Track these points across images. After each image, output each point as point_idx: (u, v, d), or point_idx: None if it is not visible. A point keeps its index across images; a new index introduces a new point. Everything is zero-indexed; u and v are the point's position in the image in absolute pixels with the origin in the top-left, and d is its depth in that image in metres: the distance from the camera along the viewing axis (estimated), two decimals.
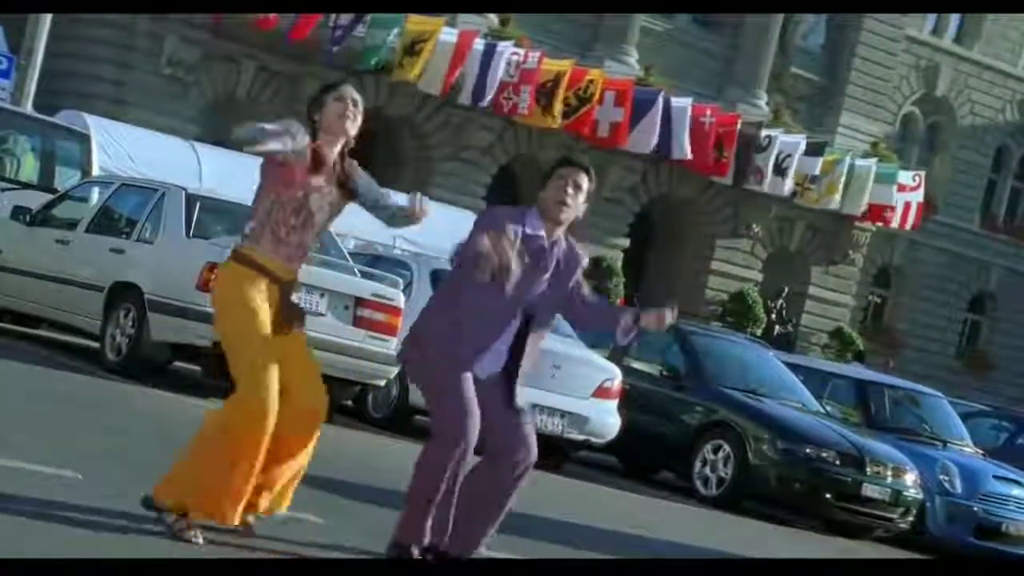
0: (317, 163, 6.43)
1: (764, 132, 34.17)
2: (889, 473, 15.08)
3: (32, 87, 21.99)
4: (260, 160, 6.46)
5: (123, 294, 12.71)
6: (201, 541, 6.22)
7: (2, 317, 14.50)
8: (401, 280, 13.33)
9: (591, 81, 31.64)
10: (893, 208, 36.13)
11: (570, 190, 6.59)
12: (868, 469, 14.95)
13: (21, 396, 10.19)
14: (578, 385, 14.11)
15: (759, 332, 33.09)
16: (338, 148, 6.53)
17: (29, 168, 17.41)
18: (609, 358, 15.14)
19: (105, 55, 28.80)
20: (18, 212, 14.34)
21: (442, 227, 13.35)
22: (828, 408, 16.81)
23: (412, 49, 29.47)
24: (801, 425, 15.25)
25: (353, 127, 6.50)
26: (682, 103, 32.71)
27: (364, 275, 13.15)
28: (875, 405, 17.24)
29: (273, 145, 6.22)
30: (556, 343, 13.18)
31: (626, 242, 34.71)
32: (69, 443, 8.40)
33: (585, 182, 6.64)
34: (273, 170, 6.41)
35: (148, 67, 28.79)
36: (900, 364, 36.76)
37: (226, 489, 6.26)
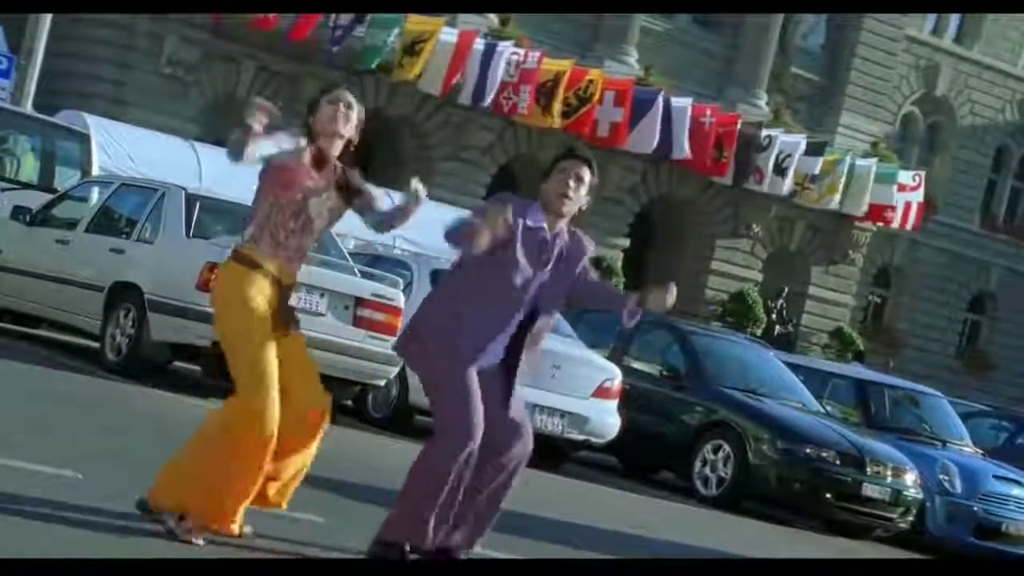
0: (316, 165, 6.44)
1: (764, 132, 34.19)
2: (889, 473, 15.08)
3: (32, 87, 21.99)
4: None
5: (123, 294, 12.71)
6: (201, 542, 6.22)
7: (2, 317, 14.49)
8: (401, 280, 13.33)
9: (591, 81, 31.65)
10: (893, 208, 36.14)
11: (572, 183, 6.59)
12: (868, 469, 14.95)
13: (21, 396, 10.19)
14: (578, 385, 14.10)
15: (759, 332, 33.09)
16: (337, 150, 6.52)
17: (29, 168, 17.41)
18: (609, 358, 15.14)
19: (105, 55, 28.80)
20: (18, 212, 14.34)
21: (442, 227, 13.32)
22: (828, 408, 16.81)
23: (412, 49, 29.49)
24: (801, 425, 15.25)
25: (346, 128, 6.50)
26: (682, 103, 32.73)
27: (364, 275, 13.15)
28: (875, 405, 17.23)
29: (258, 145, 6.23)
30: (556, 343, 13.18)
31: (626, 242, 34.72)
32: (69, 443, 8.40)
33: (587, 175, 6.64)
34: (272, 173, 6.41)
35: (148, 67, 28.80)
36: (900, 364, 36.77)
37: (228, 495, 6.24)
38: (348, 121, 6.50)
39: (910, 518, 15.30)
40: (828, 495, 14.78)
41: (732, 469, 14.87)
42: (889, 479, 15.04)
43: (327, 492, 8.23)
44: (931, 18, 43.08)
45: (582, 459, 15.63)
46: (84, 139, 17.84)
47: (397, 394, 13.73)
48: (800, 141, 34.67)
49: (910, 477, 15.22)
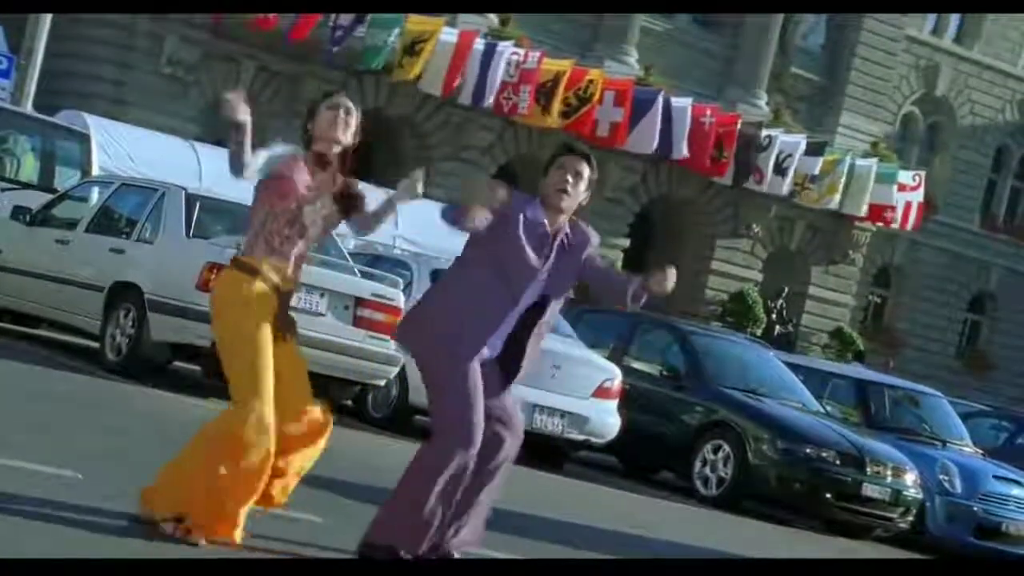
0: (312, 172, 6.42)
1: (764, 132, 34.19)
2: (889, 473, 15.08)
3: (32, 87, 22.00)
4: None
5: (123, 294, 12.71)
6: (203, 541, 6.22)
7: (2, 317, 14.50)
8: (401, 280, 13.33)
9: (591, 81, 31.66)
10: (893, 208, 36.16)
11: (570, 178, 6.58)
12: (868, 469, 14.95)
13: (21, 396, 10.19)
14: (578, 385, 14.11)
15: (759, 332, 33.09)
16: (334, 156, 6.50)
17: (29, 168, 17.41)
18: (609, 358, 15.15)
19: (105, 55, 28.81)
20: (18, 212, 14.34)
21: (442, 227, 13.32)
22: (828, 408, 16.81)
23: (412, 49, 29.50)
24: (801, 425, 15.25)
25: (345, 134, 6.49)
26: (682, 103, 32.73)
27: (364, 275, 13.15)
28: (875, 405, 17.24)
29: (257, 157, 6.26)
30: (556, 343, 13.18)
31: (626, 242, 34.72)
32: (69, 443, 8.40)
33: (585, 170, 6.63)
34: (268, 185, 6.41)
35: (148, 67, 28.80)
36: (900, 364, 36.77)
37: (229, 498, 6.22)
38: (348, 128, 6.49)
39: (910, 518, 15.30)
40: (828, 495, 14.78)
41: (732, 469, 14.87)
42: (889, 479, 15.04)
43: (326, 492, 8.23)
44: (931, 18, 43.08)
45: (582, 459, 15.64)
46: (84, 139, 17.84)
47: (397, 394, 13.74)
48: (800, 141, 34.68)
49: (910, 477, 15.22)
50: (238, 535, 6.31)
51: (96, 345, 13.08)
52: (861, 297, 40.85)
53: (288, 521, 6.91)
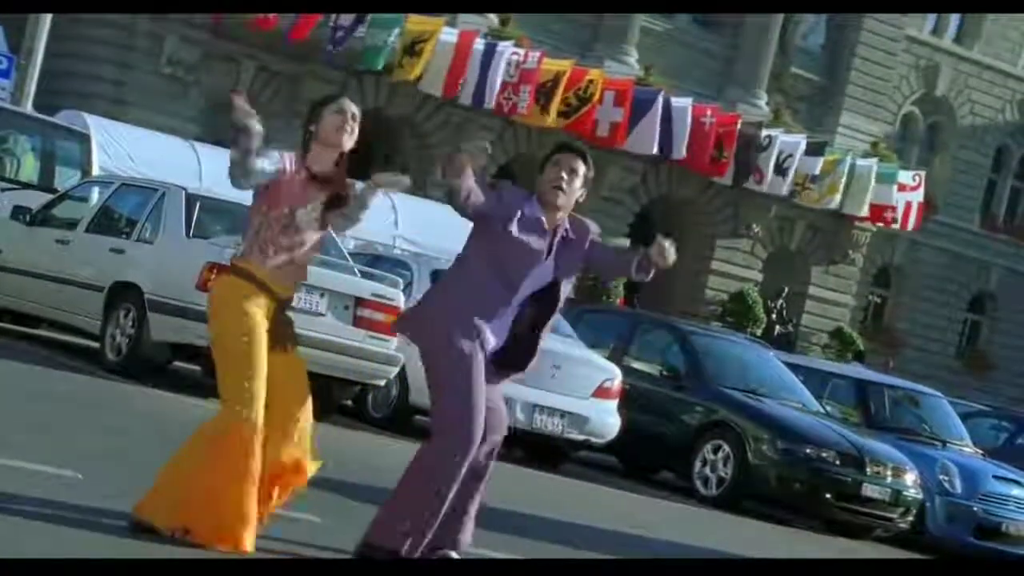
0: (309, 175, 6.40)
1: (764, 132, 34.18)
2: (889, 473, 15.08)
3: (32, 87, 21.99)
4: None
5: (123, 294, 12.71)
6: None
7: (2, 317, 14.50)
8: (401, 280, 13.33)
9: (591, 81, 31.66)
10: (894, 208, 36.15)
11: (565, 174, 6.58)
12: (868, 469, 14.95)
13: (21, 396, 10.19)
14: (578, 385, 14.11)
15: (759, 332, 33.09)
16: (333, 161, 6.48)
17: (29, 168, 17.41)
18: (609, 358, 15.15)
19: (105, 55, 28.80)
20: (18, 212, 14.34)
21: (442, 227, 13.35)
22: (828, 408, 16.81)
23: (412, 49, 29.49)
24: (801, 425, 15.25)
25: (349, 141, 6.47)
26: (682, 103, 32.73)
27: (364, 275, 13.15)
28: (875, 405, 17.24)
29: (258, 163, 6.24)
30: (556, 343, 13.18)
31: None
32: (69, 443, 8.40)
33: (581, 167, 6.62)
34: (264, 192, 6.40)
35: (148, 67, 28.79)
36: (900, 364, 36.77)
37: (224, 504, 6.18)
38: (353, 134, 6.47)
39: (910, 518, 15.30)
40: (828, 495, 14.78)
41: (732, 469, 14.87)
42: (889, 479, 15.04)
43: (326, 492, 8.22)
44: (931, 18, 43.08)
45: (582, 459, 15.63)
46: (84, 139, 17.84)
47: (397, 394, 13.73)
48: (800, 141, 34.67)
49: (910, 477, 15.22)
50: (249, 543, 6.25)
51: (96, 345, 13.08)
52: (861, 297, 40.84)
53: (288, 521, 6.91)
